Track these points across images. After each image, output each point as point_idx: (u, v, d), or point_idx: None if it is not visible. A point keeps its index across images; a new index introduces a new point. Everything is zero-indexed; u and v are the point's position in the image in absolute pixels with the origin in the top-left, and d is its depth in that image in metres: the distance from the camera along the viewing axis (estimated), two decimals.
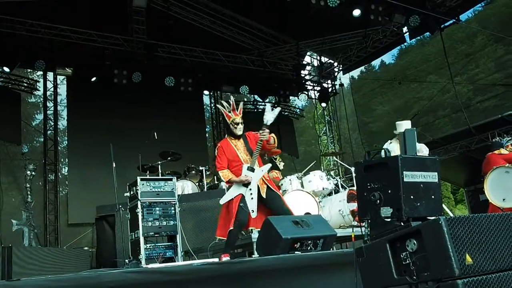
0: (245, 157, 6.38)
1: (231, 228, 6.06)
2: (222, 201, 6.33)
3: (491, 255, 2.76)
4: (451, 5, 12.98)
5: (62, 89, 15.20)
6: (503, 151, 8.67)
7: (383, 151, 3.29)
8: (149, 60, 13.73)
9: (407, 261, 2.87)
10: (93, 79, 13.54)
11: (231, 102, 6.55)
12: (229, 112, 6.51)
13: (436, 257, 2.69)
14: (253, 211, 6.13)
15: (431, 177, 3.19)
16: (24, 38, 12.63)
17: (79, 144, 14.21)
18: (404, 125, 7.51)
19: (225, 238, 6.15)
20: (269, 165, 6.55)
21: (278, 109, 6.30)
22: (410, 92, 16.11)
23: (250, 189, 6.20)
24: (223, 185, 9.45)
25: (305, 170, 6.73)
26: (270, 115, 6.15)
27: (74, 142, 14.55)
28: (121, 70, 13.70)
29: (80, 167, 14.13)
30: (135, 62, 13.81)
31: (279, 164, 9.87)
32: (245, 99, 19.71)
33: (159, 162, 9.81)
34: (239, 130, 6.46)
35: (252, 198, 6.18)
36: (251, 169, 6.24)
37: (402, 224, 3.05)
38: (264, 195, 6.27)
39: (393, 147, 7.28)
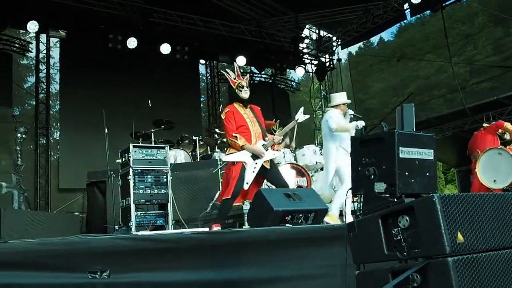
0: (253, 127, 6.39)
1: (228, 197, 6.07)
2: (227, 158, 6.34)
3: (482, 234, 2.75)
4: None
5: (55, 52, 15.01)
6: (485, 125, 8.77)
7: (382, 125, 3.25)
8: (145, 25, 13.56)
9: (398, 237, 2.86)
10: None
11: (235, 69, 6.59)
12: (234, 78, 6.51)
13: (428, 234, 2.68)
14: (247, 183, 6.14)
15: (427, 154, 3.16)
16: None
17: (71, 108, 14.10)
18: (337, 97, 7.51)
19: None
20: (280, 153, 6.59)
21: (307, 116, 6.63)
22: (407, 71, 15.99)
23: (256, 163, 6.23)
24: (216, 155, 9.44)
25: (283, 129, 6.74)
26: (302, 116, 6.54)
27: (67, 106, 14.44)
28: (116, 35, 13.56)
29: (72, 132, 14.05)
30: (130, 27, 13.64)
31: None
32: (242, 70, 19.58)
33: (152, 130, 9.78)
34: (245, 93, 6.45)
35: (253, 172, 6.20)
36: (266, 147, 6.32)
37: (396, 200, 3.03)
38: (268, 166, 6.33)
39: (332, 113, 7.25)
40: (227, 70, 6.65)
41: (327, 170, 7.27)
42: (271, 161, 6.45)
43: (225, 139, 10.21)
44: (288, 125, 6.75)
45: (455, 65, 13.84)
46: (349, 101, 7.54)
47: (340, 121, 7.05)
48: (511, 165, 7.59)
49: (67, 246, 3.86)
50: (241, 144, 6.22)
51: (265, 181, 6.72)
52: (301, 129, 6.97)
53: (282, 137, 6.77)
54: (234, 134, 6.26)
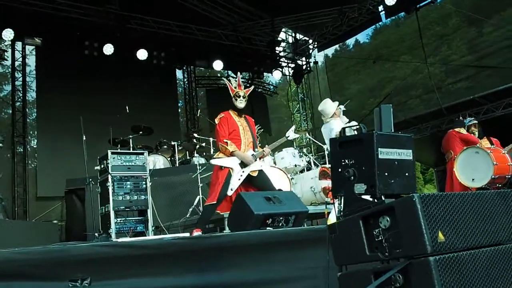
0: (245, 136, 6.45)
1: (213, 202, 6.07)
2: (215, 162, 6.33)
3: (462, 233, 2.77)
4: None
5: (31, 60, 14.84)
6: (462, 130, 8.84)
7: (360, 127, 3.26)
8: (121, 32, 13.49)
9: (380, 238, 2.87)
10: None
11: (238, 78, 6.70)
12: (235, 87, 6.58)
13: (409, 234, 2.69)
14: (232, 189, 6.15)
15: (406, 154, 3.18)
16: None
17: (48, 116, 13.97)
18: (328, 107, 7.60)
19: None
20: (267, 163, 7.18)
21: (297, 135, 7.03)
22: (383, 72, 16.13)
23: (243, 172, 6.27)
24: (195, 160, 9.43)
25: (273, 144, 6.94)
26: (292, 134, 6.74)
27: (44, 114, 14.28)
28: (92, 42, 13.48)
29: (50, 140, 13.93)
30: (107, 34, 13.55)
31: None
32: (219, 75, 19.59)
33: (131, 136, 9.72)
34: (240, 102, 6.52)
35: (239, 179, 6.24)
36: (254, 157, 6.38)
37: (376, 201, 3.04)
38: (254, 174, 6.40)
39: (334, 125, 7.33)
40: (230, 78, 6.75)
41: None
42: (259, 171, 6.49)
43: (203, 144, 10.27)
44: (278, 140, 6.93)
45: (431, 65, 14.00)
46: (337, 102, 7.69)
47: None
48: (489, 163, 7.69)
49: (46, 254, 3.80)
50: (231, 150, 6.26)
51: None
52: (279, 133, 7.06)
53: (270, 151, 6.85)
54: (225, 140, 6.31)
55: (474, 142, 8.57)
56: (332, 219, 6.65)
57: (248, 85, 6.89)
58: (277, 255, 4.39)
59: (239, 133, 6.41)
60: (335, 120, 7.35)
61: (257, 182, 6.44)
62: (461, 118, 9.50)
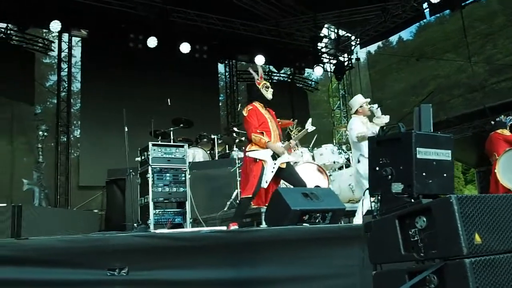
0: (273, 128, 6.48)
1: (249, 195, 6.12)
2: (252, 154, 6.31)
3: (500, 235, 2.74)
4: None
5: (77, 51, 15.17)
6: (505, 131, 8.65)
7: (399, 125, 3.24)
8: (165, 25, 13.64)
9: (415, 238, 2.86)
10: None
11: (259, 70, 6.71)
12: (257, 79, 6.62)
13: (445, 235, 2.68)
14: (266, 182, 6.18)
15: (445, 154, 3.15)
16: None
17: (92, 107, 14.25)
18: (353, 102, 7.46)
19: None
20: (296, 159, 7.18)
21: (314, 127, 6.76)
22: (427, 70, 15.90)
23: (275, 164, 6.27)
24: (234, 154, 9.46)
25: (296, 136, 6.98)
26: (310, 127, 6.67)
27: (87, 105, 14.56)
28: (137, 35, 13.72)
29: (92, 130, 14.20)
30: (150, 27, 13.74)
31: (294, 135, 9.76)
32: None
33: (171, 129, 9.83)
34: (270, 93, 6.57)
35: (272, 172, 6.24)
36: (284, 149, 6.42)
37: (413, 200, 3.03)
38: (283, 166, 6.38)
39: (354, 124, 7.20)
40: (250, 69, 6.72)
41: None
42: (287, 163, 6.50)
43: (243, 138, 10.30)
44: (300, 133, 6.97)
45: (475, 64, 13.73)
46: (366, 100, 7.35)
47: (360, 129, 6.99)
48: None
49: (86, 243, 3.90)
50: (266, 141, 6.27)
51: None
52: (319, 129, 7.03)
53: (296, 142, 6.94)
54: (259, 131, 6.31)
55: None
56: (357, 218, 6.64)
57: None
58: (313, 251, 4.40)
59: (268, 125, 6.42)
60: (356, 118, 7.20)
61: (285, 174, 6.44)
62: (501, 118, 9.26)
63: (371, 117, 7.23)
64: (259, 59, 15.50)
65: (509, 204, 2.83)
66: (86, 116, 14.68)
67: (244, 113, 6.47)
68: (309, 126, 6.70)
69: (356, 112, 7.21)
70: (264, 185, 6.18)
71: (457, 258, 2.63)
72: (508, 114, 9.39)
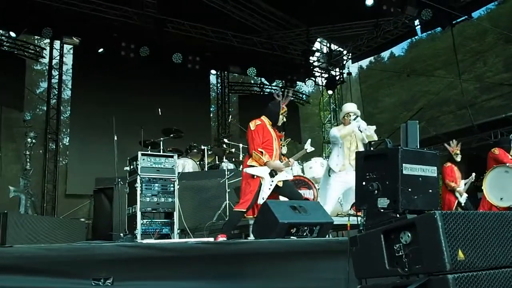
0: (276, 147, 6.47)
1: (243, 210, 6.12)
2: (249, 171, 6.27)
3: (483, 252, 2.77)
4: (464, 1, 12.94)
5: (69, 59, 15.17)
6: (496, 150, 8.71)
7: (386, 141, 3.27)
8: (158, 35, 13.67)
9: (400, 253, 2.88)
10: (100, 50, 13.54)
11: (285, 95, 6.69)
12: (283, 103, 6.61)
13: (429, 250, 2.70)
14: (263, 198, 6.18)
15: (430, 171, 3.19)
16: (33, 4, 12.48)
17: (82, 115, 14.22)
18: (348, 106, 7.56)
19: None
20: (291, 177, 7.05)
21: (313, 148, 6.75)
22: (417, 86, 16.02)
23: (272, 181, 6.27)
24: (224, 165, 9.46)
25: (296, 155, 7.06)
26: (309, 148, 6.66)
27: (77, 113, 14.54)
28: (129, 43, 13.73)
29: (82, 138, 14.16)
30: (143, 36, 13.76)
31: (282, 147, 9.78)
32: (252, 81, 19.69)
33: (161, 139, 9.81)
34: (282, 120, 6.58)
35: (269, 189, 6.24)
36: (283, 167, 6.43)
37: (398, 216, 3.05)
38: (280, 184, 6.38)
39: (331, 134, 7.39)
40: (280, 92, 6.73)
41: None
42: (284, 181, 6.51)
43: (233, 150, 10.31)
44: (299, 152, 7.01)
45: (465, 81, 13.85)
46: (351, 111, 7.44)
47: (340, 130, 7.21)
48: None
49: (71, 252, 3.88)
50: (266, 161, 6.24)
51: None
52: (311, 142, 7.09)
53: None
54: (260, 149, 6.29)
55: (503, 162, 8.44)
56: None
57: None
58: (299, 264, 4.40)
59: (272, 143, 6.40)
60: (335, 128, 7.40)
61: (284, 191, 6.45)
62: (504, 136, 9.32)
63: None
64: (251, 71, 15.61)
65: (492, 221, 2.86)
66: (75, 124, 14.65)
67: (252, 126, 6.39)
68: (308, 147, 6.71)
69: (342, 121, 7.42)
70: (261, 201, 6.16)
71: (440, 273, 2.64)
72: (505, 135, 9.41)
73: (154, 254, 4.04)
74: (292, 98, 6.64)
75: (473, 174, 9.65)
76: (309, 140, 6.87)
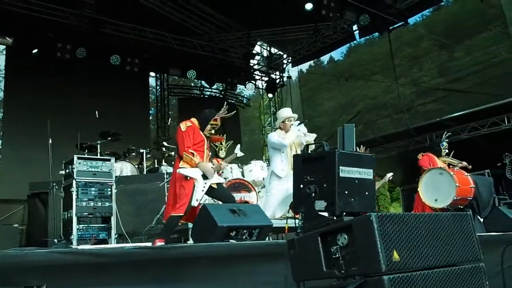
0: (207, 150, 6.42)
1: (180, 214, 6.01)
2: (182, 171, 6.14)
3: (417, 253, 2.82)
4: (401, 7, 13.28)
5: (1, 59, 14.69)
6: (430, 154, 8.88)
7: (324, 144, 3.30)
8: (96, 36, 13.39)
9: (337, 255, 2.90)
10: (34, 51, 13.15)
11: (224, 109, 6.58)
12: (217, 115, 6.51)
13: (365, 252, 2.73)
14: (197, 200, 6.11)
15: (367, 173, 3.23)
16: None
17: (15, 117, 13.75)
18: (286, 111, 7.67)
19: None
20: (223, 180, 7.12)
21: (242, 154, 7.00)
22: (356, 90, 16.32)
23: (205, 183, 6.20)
24: (163, 169, 9.36)
25: (226, 159, 7.13)
26: (239, 153, 6.91)
27: (11, 115, 14.06)
28: (65, 44, 13.35)
29: (15, 142, 13.68)
30: (80, 37, 13.44)
31: (220, 151, 9.70)
32: (192, 84, 19.59)
33: (99, 142, 9.59)
34: (209, 131, 6.49)
35: (202, 190, 6.18)
36: (214, 170, 6.36)
37: (335, 218, 3.08)
38: (214, 186, 6.34)
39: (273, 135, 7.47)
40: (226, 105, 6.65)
41: None
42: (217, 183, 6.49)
43: (172, 153, 10.20)
44: (229, 156, 7.20)
45: (401, 86, 14.22)
46: (289, 116, 7.49)
47: (284, 138, 7.24)
48: (452, 185, 7.79)
49: (1, 259, 3.73)
50: (197, 162, 6.16)
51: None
52: (250, 146, 7.13)
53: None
54: (190, 150, 6.20)
55: (423, 167, 8.65)
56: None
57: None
58: (238, 268, 4.38)
59: (203, 146, 6.34)
60: (275, 134, 7.45)
61: (217, 193, 6.43)
62: (439, 140, 9.50)
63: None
64: (191, 74, 15.52)
65: (426, 222, 2.92)
66: (8, 127, 14.17)
67: (182, 127, 6.28)
68: (238, 152, 6.83)
69: (278, 129, 7.44)
70: (195, 203, 6.10)
71: (376, 275, 2.68)
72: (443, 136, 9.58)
73: (89, 260, 3.93)
74: (229, 115, 6.55)
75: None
76: (239, 145, 6.94)
